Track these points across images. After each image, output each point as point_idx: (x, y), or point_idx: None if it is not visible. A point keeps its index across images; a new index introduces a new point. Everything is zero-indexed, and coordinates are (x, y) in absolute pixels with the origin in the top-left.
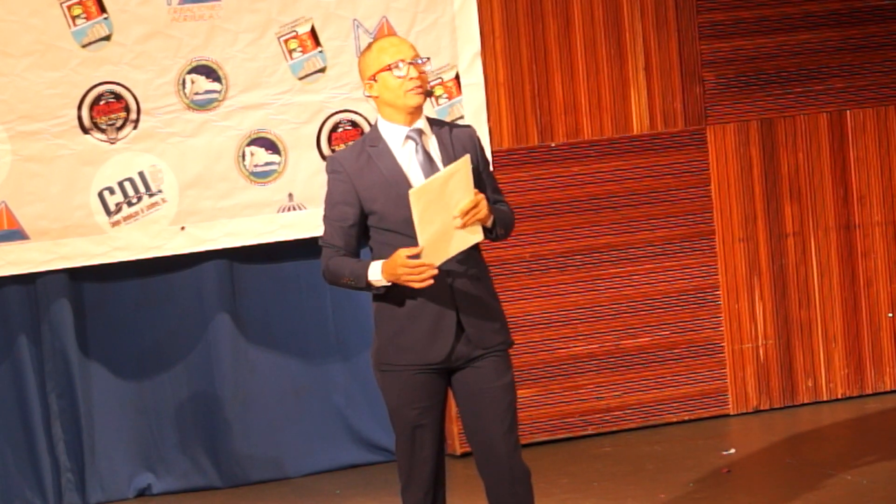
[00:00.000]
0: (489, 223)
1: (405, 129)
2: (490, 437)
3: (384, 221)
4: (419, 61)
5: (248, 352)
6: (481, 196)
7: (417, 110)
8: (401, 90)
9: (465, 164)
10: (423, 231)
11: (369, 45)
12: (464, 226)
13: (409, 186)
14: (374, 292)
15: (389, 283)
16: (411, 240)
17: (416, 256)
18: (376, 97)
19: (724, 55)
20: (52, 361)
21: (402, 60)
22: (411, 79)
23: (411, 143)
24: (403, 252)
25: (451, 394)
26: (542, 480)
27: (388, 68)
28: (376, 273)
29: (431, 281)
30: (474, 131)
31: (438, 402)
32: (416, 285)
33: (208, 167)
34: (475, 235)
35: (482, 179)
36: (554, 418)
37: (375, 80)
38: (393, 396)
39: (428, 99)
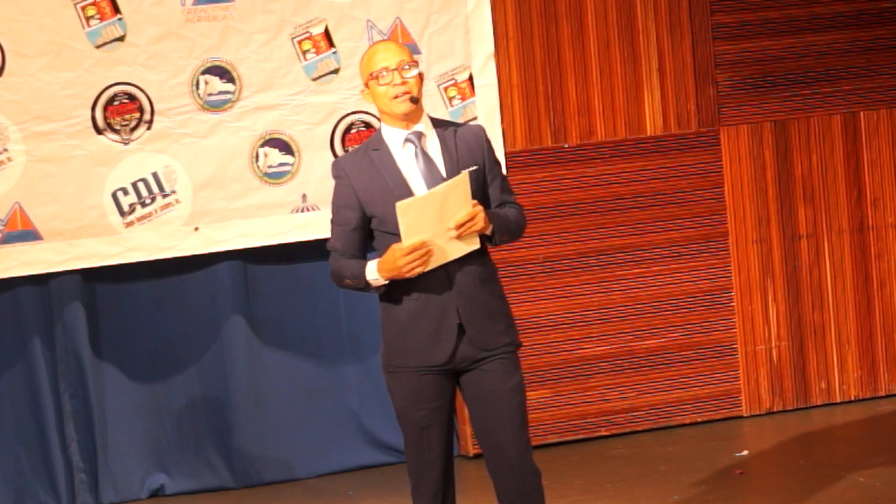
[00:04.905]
0: (488, 232)
1: (404, 133)
2: (500, 438)
3: (385, 225)
4: (406, 67)
5: (261, 353)
6: (479, 209)
7: (413, 115)
8: (386, 98)
9: (463, 179)
10: (409, 240)
11: (365, 52)
12: (458, 237)
13: (408, 189)
14: (375, 292)
15: (387, 282)
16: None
17: None
18: (373, 102)
19: (737, 57)
20: (65, 362)
21: (387, 68)
22: (395, 86)
23: (411, 147)
24: (399, 245)
25: (459, 395)
26: (555, 482)
27: (375, 77)
28: (373, 272)
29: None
30: (482, 130)
31: (445, 403)
32: (418, 271)
33: (222, 168)
34: (471, 245)
35: (488, 180)
36: (568, 419)
37: (368, 88)
38: (400, 398)
39: (414, 105)
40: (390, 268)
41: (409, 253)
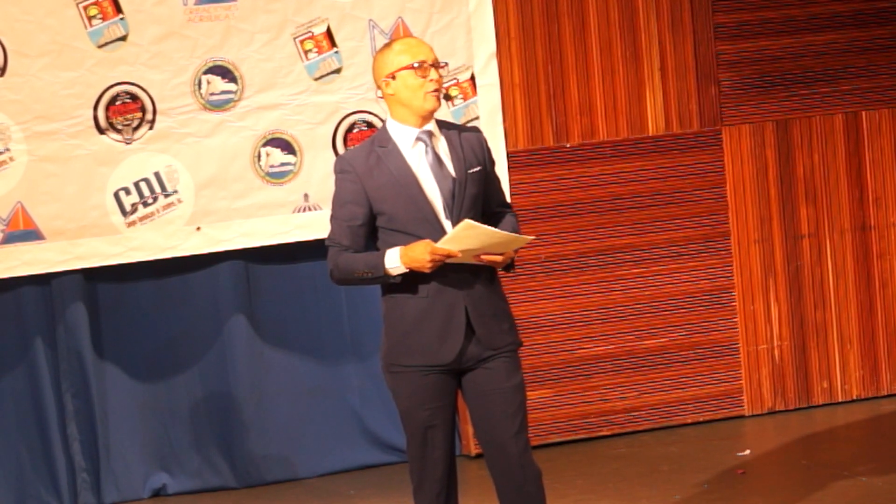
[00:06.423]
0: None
1: (415, 131)
2: (501, 438)
3: (393, 222)
4: (439, 64)
5: (263, 352)
6: (512, 254)
7: (430, 113)
8: (420, 91)
9: (525, 239)
10: (446, 245)
11: (388, 44)
12: (478, 260)
13: (419, 187)
14: (392, 281)
15: (407, 271)
16: (419, 240)
17: None
18: (391, 95)
19: (739, 56)
20: (67, 361)
21: (425, 62)
22: (432, 80)
23: (421, 145)
24: (433, 243)
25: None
26: (557, 481)
27: (411, 67)
28: (394, 260)
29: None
30: (482, 134)
31: (449, 402)
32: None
33: (224, 167)
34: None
35: (491, 180)
36: (568, 419)
37: (394, 78)
38: (403, 398)
39: (441, 103)
40: (414, 256)
41: (439, 254)
